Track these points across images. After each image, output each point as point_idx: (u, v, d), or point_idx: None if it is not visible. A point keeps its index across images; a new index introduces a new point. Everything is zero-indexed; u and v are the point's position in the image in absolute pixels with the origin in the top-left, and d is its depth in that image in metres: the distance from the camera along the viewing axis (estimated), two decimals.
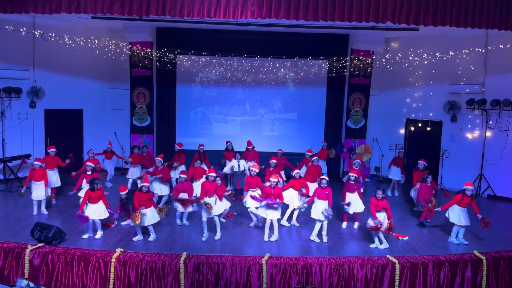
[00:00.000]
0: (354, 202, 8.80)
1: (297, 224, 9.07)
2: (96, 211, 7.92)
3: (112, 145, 12.02)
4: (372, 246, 7.92)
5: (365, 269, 6.93)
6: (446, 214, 8.29)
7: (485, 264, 7.14)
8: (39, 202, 9.28)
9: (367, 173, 11.30)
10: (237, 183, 11.32)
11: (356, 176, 9.04)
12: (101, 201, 8.01)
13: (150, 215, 7.86)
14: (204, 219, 8.09)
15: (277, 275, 6.85)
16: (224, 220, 9.11)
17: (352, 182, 8.89)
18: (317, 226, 8.14)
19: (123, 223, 8.74)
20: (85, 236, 7.99)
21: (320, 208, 8.04)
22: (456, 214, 8.14)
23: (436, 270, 7.05)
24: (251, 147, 11.43)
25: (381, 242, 7.89)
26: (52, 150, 9.99)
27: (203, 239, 8.05)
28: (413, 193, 10.11)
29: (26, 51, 12.11)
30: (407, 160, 12.54)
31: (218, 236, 8.11)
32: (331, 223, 8.61)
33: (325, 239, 8.13)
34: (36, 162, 9.26)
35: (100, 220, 8.02)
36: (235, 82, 13.87)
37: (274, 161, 9.79)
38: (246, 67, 13.56)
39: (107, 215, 8.06)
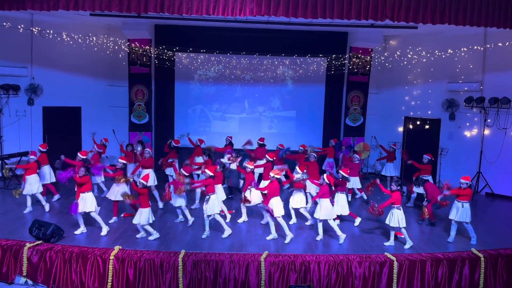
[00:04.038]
0: (342, 204, 8.60)
1: (310, 218, 8.91)
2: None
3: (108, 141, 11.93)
4: (386, 244, 7.88)
5: (363, 266, 6.94)
6: (451, 216, 8.19)
7: (483, 261, 7.16)
8: (32, 196, 9.24)
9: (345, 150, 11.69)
10: (230, 181, 11.24)
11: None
12: (90, 193, 7.98)
13: (148, 215, 7.81)
14: (206, 216, 8.04)
15: (276, 273, 6.85)
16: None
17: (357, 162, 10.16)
18: (321, 225, 8.07)
19: (111, 221, 8.72)
20: (78, 231, 7.99)
21: (328, 207, 7.93)
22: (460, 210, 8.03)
23: (434, 267, 7.06)
24: (262, 142, 11.47)
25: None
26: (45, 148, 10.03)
27: (204, 236, 8.03)
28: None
29: (24, 48, 12.05)
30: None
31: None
32: (327, 220, 8.52)
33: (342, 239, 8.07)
34: (31, 156, 9.24)
35: (95, 212, 8.00)
36: (233, 79, 13.84)
37: (274, 158, 9.79)
38: (244, 64, 13.53)
39: (98, 208, 8.06)
